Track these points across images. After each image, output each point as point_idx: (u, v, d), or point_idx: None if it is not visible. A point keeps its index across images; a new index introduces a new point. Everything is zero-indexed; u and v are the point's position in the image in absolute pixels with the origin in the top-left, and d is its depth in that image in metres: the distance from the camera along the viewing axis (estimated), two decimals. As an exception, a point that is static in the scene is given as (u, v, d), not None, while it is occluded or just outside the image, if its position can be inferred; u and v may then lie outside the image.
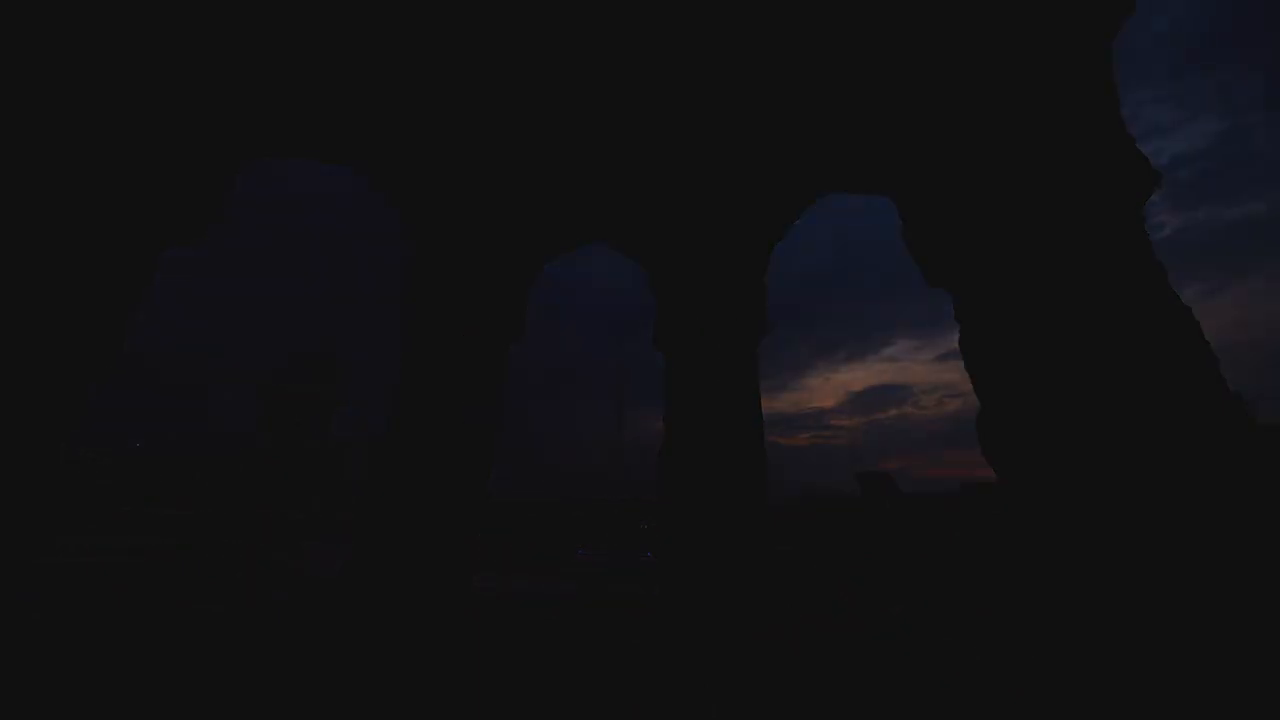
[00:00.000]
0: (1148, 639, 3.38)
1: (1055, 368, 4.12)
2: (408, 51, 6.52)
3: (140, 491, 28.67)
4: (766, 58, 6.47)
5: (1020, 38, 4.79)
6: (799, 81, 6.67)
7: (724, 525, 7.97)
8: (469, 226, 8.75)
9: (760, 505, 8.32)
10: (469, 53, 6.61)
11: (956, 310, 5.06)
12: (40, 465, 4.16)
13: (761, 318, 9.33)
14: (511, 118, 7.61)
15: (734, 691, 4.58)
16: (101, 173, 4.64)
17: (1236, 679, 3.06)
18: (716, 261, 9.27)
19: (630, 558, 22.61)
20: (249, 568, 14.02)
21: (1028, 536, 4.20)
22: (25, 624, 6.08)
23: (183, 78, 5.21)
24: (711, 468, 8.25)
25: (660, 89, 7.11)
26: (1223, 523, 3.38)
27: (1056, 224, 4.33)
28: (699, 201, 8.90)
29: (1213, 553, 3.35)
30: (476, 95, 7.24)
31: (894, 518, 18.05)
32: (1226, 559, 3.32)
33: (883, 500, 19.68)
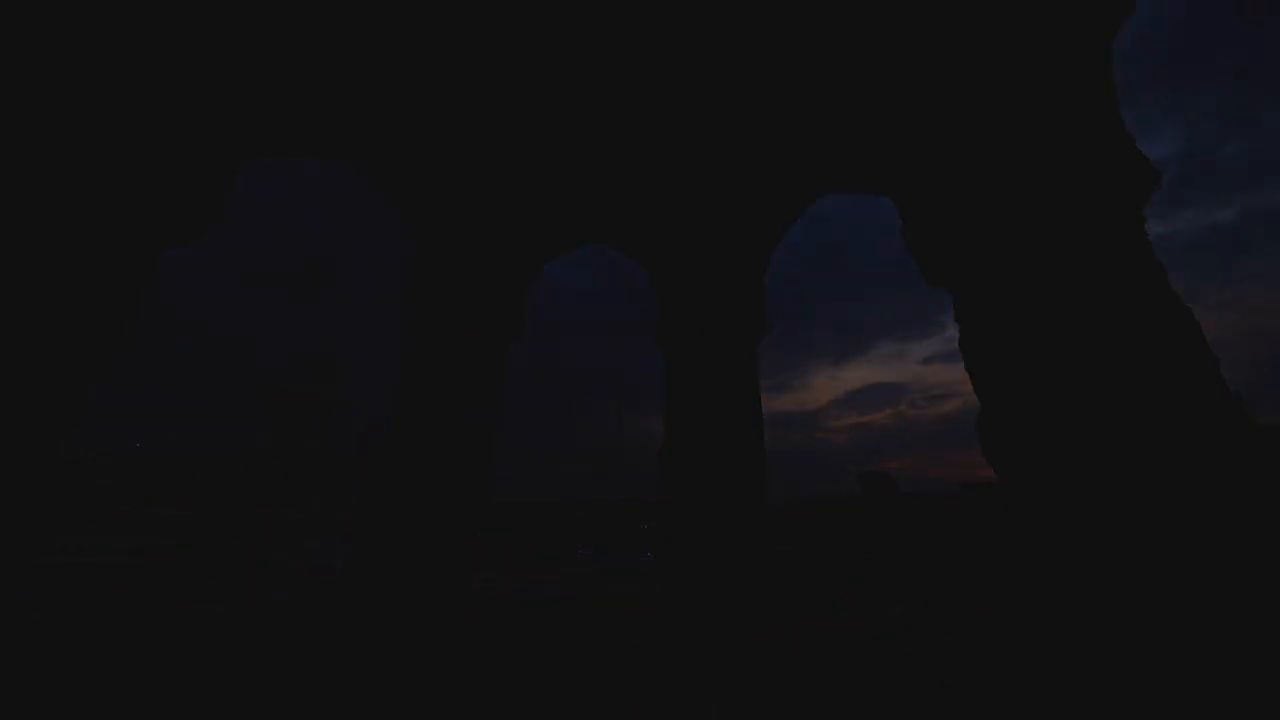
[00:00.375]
0: (1148, 638, 3.38)
1: (1055, 367, 4.12)
2: (408, 51, 6.52)
3: (140, 491, 28.69)
4: (767, 58, 6.46)
5: (1020, 38, 4.79)
6: (799, 82, 6.67)
7: (724, 525, 7.96)
8: (469, 226, 8.75)
9: (760, 505, 8.31)
10: (469, 52, 6.61)
11: (956, 310, 5.06)
12: (40, 465, 4.16)
13: (761, 318, 9.32)
14: (512, 118, 7.61)
15: (734, 691, 4.58)
16: (101, 172, 4.64)
17: (1236, 678, 3.06)
18: (716, 261, 9.26)
19: (630, 558, 22.65)
20: (249, 568, 14.02)
21: (1028, 536, 4.20)
22: (25, 624, 6.08)
23: (182, 78, 5.21)
24: (711, 468, 8.24)
25: (661, 89, 7.11)
26: (1222, 522, 3.38)
27: (1057, 224, 4.33)
28: (699, 202, 8.89)
29: (1212, 552, 3.35)
30: (477, 95, 7.23)
31: (894, 518, 18.04)
32: (1226, 559, 3.32)
33: (883, 500, 19.68)
